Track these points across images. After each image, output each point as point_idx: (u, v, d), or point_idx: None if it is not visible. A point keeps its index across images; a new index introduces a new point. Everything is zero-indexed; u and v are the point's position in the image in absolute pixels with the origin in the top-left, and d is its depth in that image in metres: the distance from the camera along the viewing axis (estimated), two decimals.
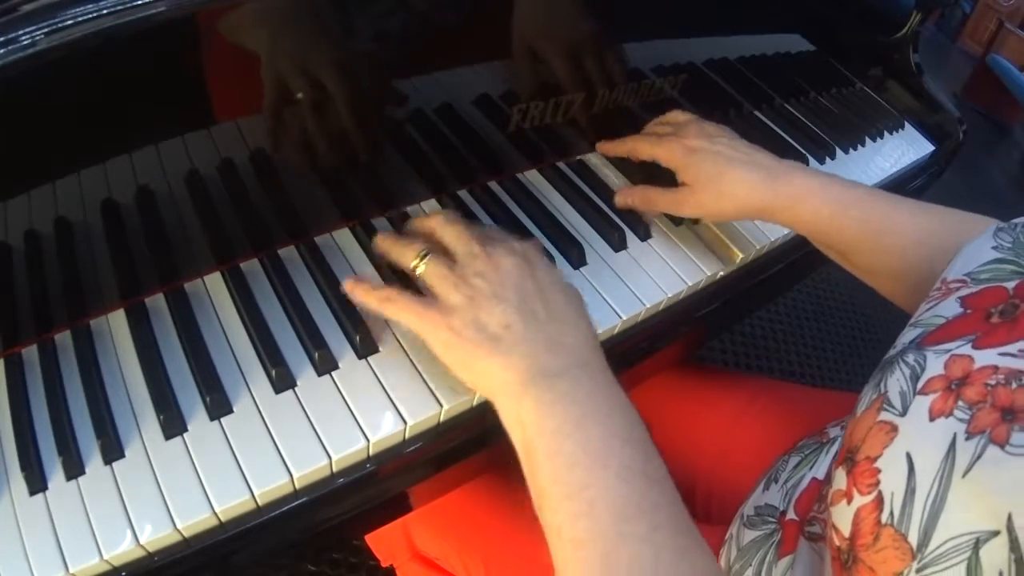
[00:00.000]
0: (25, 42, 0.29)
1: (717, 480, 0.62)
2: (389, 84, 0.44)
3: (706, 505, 0.63)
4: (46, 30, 0.29)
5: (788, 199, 0.49)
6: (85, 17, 0.30)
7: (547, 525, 0.33)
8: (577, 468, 0.33)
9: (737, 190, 0.50)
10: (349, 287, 0.41)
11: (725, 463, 0.62)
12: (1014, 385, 0.27)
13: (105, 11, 0.30)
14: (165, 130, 0.37)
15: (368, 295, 0.40)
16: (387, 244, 0.43)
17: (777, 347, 1.45)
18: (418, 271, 0.40)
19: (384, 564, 0.63)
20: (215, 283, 0.44)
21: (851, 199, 0.48)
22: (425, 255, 0.40)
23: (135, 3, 0.31)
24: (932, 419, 0.29)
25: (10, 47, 0.29)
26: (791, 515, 0.46)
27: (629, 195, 0.55)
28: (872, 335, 1.56)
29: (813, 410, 0.62)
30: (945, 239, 0.45)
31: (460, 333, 0.37)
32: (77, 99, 0.33)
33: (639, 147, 0.56)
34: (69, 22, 0.30)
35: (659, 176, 0.55)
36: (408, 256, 0.41)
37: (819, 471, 0.48)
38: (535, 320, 0.37)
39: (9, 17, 0.29)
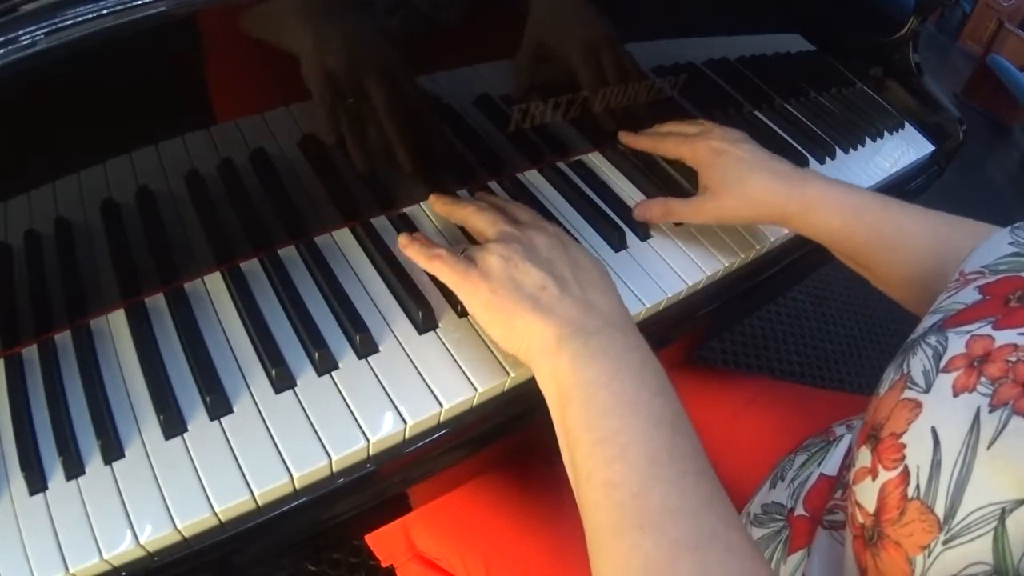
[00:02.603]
0: (25, 42, 0.29)
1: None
2: (418, 83, 0.45)
3: None
4: (46, 30, 0.29)
5: (801, 207, 0.50)
6: (85, 17, 0.30)
7: (577, 472, 0.35)
8: (611, 415, 0.34)
9: (758, 196, 0.51)
10: (404, 242, 0.44)
11: (725, 463, 0.62)
12: None
13: (105, 11, 0.30)
14: (165, 130, 0.37)
15: (419, 252, 0.43)
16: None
17: (777, 347, 1.45)
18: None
19: (384, 564, 0.63)
20: (215, 283, 0.44)
21: (863, 207, 0.49)
22: (464, 250, 0.43)
23: (135, 3, 0.31)
24: (956, 395, 0.30)
25: (10, 47, 0.29)
26: (800, 511, 0.47)
27: (648, 209, 0.55)
28: (872, 335, 1.56)
29: (813, 410, 0.62)
30: (957, 246, 0.45)
31: (497, 292, 0.39)
32: (77, 99, 0.33)
33: (664, 145, 0.57)
34: (69, 22, 0.29)
35: (657, 173, 0.55)
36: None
37: (827, 467, 0.48)
38: (569, 285, 0.40)
39: (9, 17, 0.29)
